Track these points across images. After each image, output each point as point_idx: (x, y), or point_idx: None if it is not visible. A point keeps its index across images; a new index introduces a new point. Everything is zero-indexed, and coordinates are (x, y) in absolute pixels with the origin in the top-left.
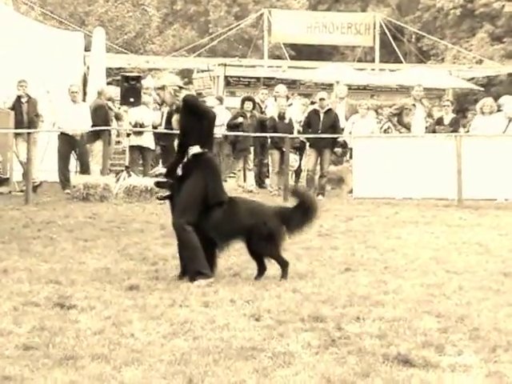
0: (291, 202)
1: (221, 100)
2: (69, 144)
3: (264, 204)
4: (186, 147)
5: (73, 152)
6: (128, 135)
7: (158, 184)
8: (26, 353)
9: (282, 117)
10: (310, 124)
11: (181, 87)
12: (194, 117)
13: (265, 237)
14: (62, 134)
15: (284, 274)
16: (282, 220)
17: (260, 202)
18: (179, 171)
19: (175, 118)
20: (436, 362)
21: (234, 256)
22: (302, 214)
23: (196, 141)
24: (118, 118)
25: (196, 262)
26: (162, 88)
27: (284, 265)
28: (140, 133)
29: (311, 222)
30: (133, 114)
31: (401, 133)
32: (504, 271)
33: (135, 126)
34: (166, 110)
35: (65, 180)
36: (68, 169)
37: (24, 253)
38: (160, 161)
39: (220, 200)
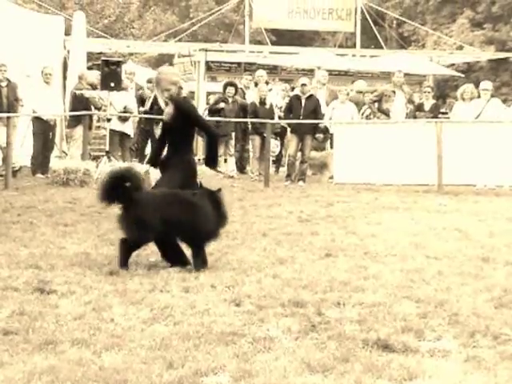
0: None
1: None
2: (43, 128)
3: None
4: (169, 141)
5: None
6: (108, 120)
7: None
8: (6, 338)
9: (262, 102)
10: (291, 109)
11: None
12: (186, 120)
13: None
14: (36, 117)
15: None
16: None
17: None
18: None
19: (167, 110)
20: (415, 346)
21: (214, 242)
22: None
23: (180, 139)
24: (96, 106)
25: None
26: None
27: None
28: (124, 119)
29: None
30: (116, 99)
31: (379, 119)
32: (483, 256)
33: (125, 112)
34: (151, 96)
35: (36, 164)
36: (43, 153)
37: (3, 237)
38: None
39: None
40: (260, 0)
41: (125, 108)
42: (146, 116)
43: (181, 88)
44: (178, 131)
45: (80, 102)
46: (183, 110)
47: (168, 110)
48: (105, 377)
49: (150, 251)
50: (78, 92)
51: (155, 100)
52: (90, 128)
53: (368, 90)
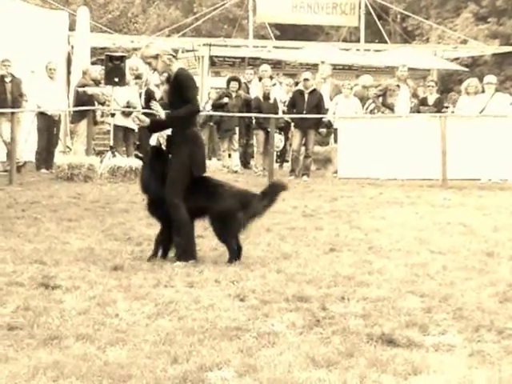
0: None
1: None
2: (47, 123)
3: (226, 186)
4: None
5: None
6: (113, 115)
7: (136, 156)
8: (11, 333)
9: (266, 97)
10: (294, 104)
11: (174, 56)
12: (183, 91)
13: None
14: (40, 113)
15: (230, 260)
16: (242, 205)
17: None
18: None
19: (165, 88)
20: (420, 341)
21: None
22: (264, 202)
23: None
24: (99, 102)
25: (185, 239)
26: (156, 57)
27: (232, 252)
28: (128, 114)
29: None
30: (120, 95)
31: (383, 113)
32: (487, 251)
33: (128, 106)
34: (143, 90)
35: (41, 159)
36: (47, 148)
37: (8, 233)
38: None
39: (203, 173)
40: None
41: (128, 103)
42: (148, 111)
43: (170, 60)
44: (177, 106)
45: (83, 98)
46: (176, 82)
47: (164, 88)
48: (109, 372)
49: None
50: (80, 89)
51: (147, 94)
52: (95, 123)
53: (372, 84)
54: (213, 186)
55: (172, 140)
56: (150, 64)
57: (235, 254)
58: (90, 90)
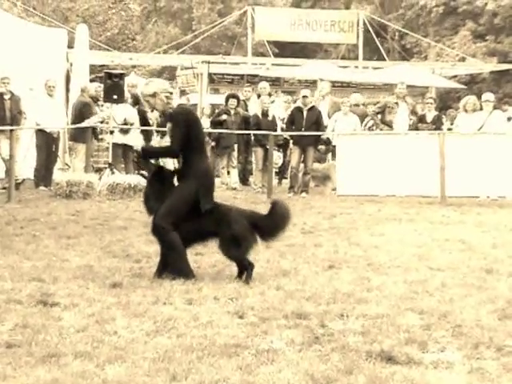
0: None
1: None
2: (46, 140)
3: (234, 208)
4: (186, 157)
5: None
6: (111, 132)
7: (141, 175)
8: (9, 350)
9: (265, 114)
10: (293, 121)
11: (171, 92)
12: (183, 128)
13: (230, 240)
14: (39, 130)
15: (247, 277)
16: (252, 225)
17: (231, 207)
18: (175, 178)
19: (168, 126)
20: (419, 358)
21: (218, 253)
22: (273, 221)
23: (188, 150)
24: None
25: (179, 262)
26: (153, 95)
27: (246, 268)
28: (126, 131)
29: (281, 231)
30: (119, 112)
31: (382, 130)
32: (486, 268)
33: (125, 124)
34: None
35: (39, 177)
36: (46, 166)
37: (6, 250)
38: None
39: (210, 207)
40: (262, 12)
41: (125, 120)
42: (145, 128)
43: (168, 98)
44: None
45: (82, 114)
46: (171, 120)
47: (168, 126)
48: None
49: (152, 263)
50: (83, 125)
51: (140, 114)
52: (96, 139)
53: (367, 102)
54: (220, 210)
55: (181, 172)
56: (148, 102)
57: (251, 271)
58: (90, 122)
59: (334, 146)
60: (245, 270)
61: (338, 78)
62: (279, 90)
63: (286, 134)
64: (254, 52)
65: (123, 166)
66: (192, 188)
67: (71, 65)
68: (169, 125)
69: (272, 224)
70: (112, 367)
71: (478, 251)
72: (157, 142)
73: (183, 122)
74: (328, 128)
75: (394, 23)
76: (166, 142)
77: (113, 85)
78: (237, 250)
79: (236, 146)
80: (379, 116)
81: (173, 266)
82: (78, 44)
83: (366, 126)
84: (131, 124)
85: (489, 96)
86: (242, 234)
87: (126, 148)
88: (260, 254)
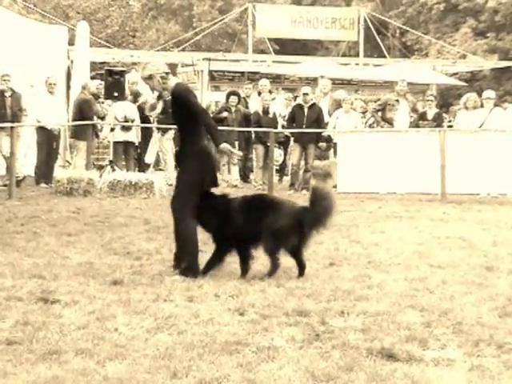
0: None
1: None
2: (47, 137)
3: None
4: (183, 139)
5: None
6: (112, 130)
7: None
8: (9, 347)
9: (266, 111)
10: (294, 119)
11: (167, 73)
12: (183, 109)
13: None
14: (40, 127)
15: (270, 273)
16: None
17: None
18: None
19: (159, 103)
20: (419, 356)
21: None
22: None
23: (191, 131)
24: (99, 116)
25: (191, 256)
26: (150, 77)
27: (274, 265)
28: (127, 128)
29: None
30: (119, 109)
31: (383, 128)
32: (487, 265)
33: (125, 121)
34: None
35: (40, 174)
36: (46, 163)
37: (7, 247)
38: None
39: (214, 187)
40: (263, 9)
41: (125, 117)
42: (144, 125)
43: (163, 78)
44: (181, 122)
45: (83, 111)
46: (174, 100)
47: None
48: None
49: (153, 260)
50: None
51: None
52: (97, 136)
53: (368, 99)
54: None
55: (181, 155)
56: (148, 84)
57: (276, 269)
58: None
59: (335, 144)
60: (272, 266)
61: (339, 75)
62: (280, 88)
63: (287, 131)
64: (255, 49)
65: (124, 163)
66: (193, 171)
67: (72, 62)
68: (171, 105)
69: (317, 216)
70: (112, 364)
71: (479, 249)
72: (157, 138)
73: (191, 96)
74: (329, 125)
75: (394, 20)
76: (167, 139)
77: (113, 82)
78: (274, 245)
79: (237, 143)
80: (380, 113)
81: (184, 259)
82: (79, 41)
83: (366, 123)
84: (132, 121)
85: (489, 93)
86: (285, 233)
87: (127, 145)
88: (260, 251)
